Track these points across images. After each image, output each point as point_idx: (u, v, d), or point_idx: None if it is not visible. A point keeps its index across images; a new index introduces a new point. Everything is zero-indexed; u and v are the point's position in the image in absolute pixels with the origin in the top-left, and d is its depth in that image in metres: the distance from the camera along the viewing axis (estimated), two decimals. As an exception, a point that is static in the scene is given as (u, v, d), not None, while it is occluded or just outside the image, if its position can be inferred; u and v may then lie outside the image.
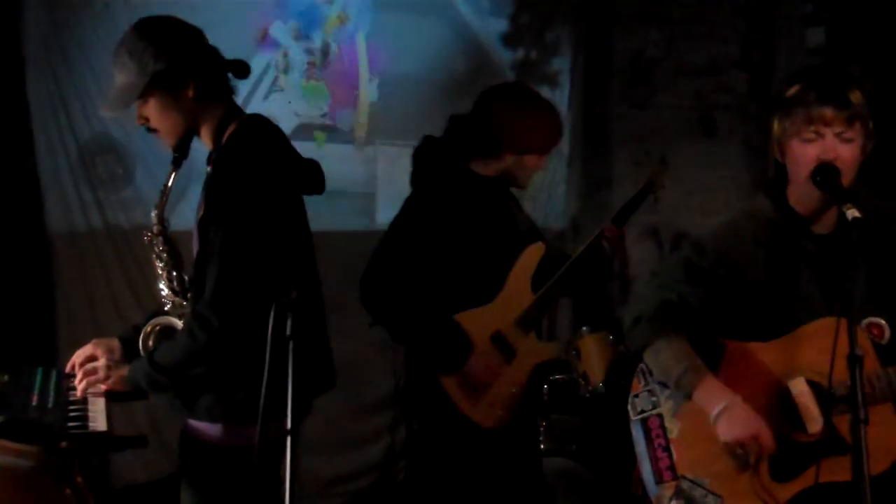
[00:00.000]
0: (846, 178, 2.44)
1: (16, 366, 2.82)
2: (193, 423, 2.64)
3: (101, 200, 4.81)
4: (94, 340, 2.83)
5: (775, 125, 2.53)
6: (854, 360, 2.14)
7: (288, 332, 2.20)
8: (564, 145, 5.43)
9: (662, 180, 3.57)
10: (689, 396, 2.58)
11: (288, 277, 2.30)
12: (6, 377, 2.74)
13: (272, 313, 2.21)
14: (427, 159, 3.37)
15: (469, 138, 3.30)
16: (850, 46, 4.66)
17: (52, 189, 4.75)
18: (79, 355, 2.81)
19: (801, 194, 2.54)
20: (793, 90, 2.50)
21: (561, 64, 5.46)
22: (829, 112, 2.42)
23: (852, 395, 2.13)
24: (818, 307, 2.52)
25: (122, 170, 4.85)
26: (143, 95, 2.62)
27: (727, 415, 2.50)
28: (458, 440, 3.28)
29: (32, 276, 4.68)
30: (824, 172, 2.42)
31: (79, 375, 2.70)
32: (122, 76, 2.64)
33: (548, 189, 5.41)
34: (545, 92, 5.30)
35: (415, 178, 3.39)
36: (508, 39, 5.35)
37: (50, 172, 4.69)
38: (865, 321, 2.48)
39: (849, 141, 2.45)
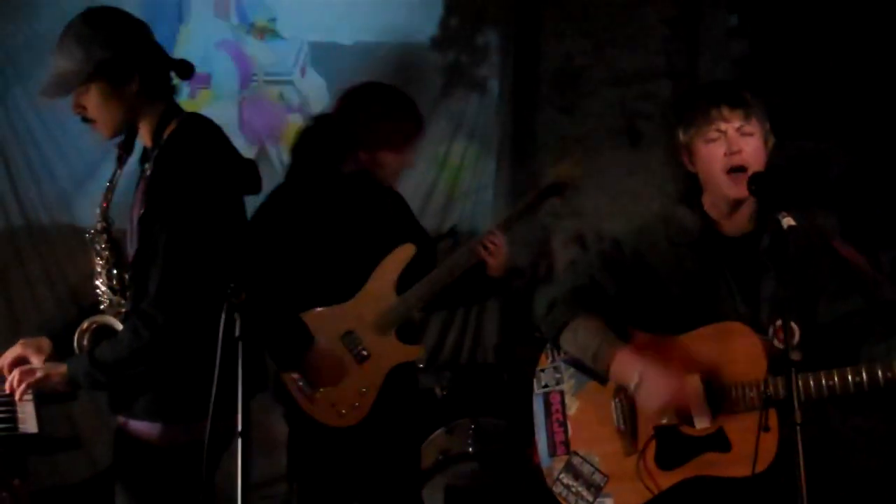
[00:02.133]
0: (754, 171, 2.58)
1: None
2: (130, 422, 2.61)
3: (20, 197, 4.70)
4: (21, 341, 2.76)
5: (680, 135, 2.70)
6: (788, 363, 2.23)
7: (237, 333, 2.19)
8: (492, 150, 5.45)
9: (570, 180, 3.51)
10: (606, 370, 2.65)
11: (237, 278, 2.28)
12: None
13: (223, 314, 2.20)
14: (300, 157, 3.39)
15: (328, 138, 3.32)
16: (773, 58, 4.78)
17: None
18: (6, 357, 2.73)
19: (716, 198, 2.68)
20: (688, 100, 2.73)
21: (489, 69, 5.48)
22: (725, 110, 2.60)
23: (788, 397, 2.21)
24: (728, 308, 2.63)
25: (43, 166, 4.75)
26: (86, 83, 2.59)
27: (643, 387, 2.58)
28: (325, 446, 3.27)
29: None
30: (758, 180, 2.54)
31: (14, 376, 2.62)
32: (65, 62, 2.60)
33: (475, 194, 5.42)
34: (474, 97, 5.40)
35: (289, 173, 3.41)
36: (438, 43, 5.36)
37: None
38: (777, 323, 2.59)
39: (749, 135, 2.61)
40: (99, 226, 2.70)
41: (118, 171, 2.70)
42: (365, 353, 3.26)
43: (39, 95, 2.70)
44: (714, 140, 2.61)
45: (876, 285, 2.60)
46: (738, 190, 2.58)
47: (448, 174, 5.33)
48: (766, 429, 2.36)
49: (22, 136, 4.70)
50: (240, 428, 2.21)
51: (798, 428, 2.15)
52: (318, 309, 3.24)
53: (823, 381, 2.45)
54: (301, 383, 3.21)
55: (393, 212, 3.44)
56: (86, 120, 2.69)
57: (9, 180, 4.68)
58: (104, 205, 2.70)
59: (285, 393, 3.25)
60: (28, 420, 2.56)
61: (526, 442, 3.88)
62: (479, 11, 5.43)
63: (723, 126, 2.60)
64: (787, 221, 2.40)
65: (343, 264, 3.27)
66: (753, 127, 2.62)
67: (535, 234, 5.43)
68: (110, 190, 2.70)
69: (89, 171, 4.70)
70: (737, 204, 2.64)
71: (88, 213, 3.92)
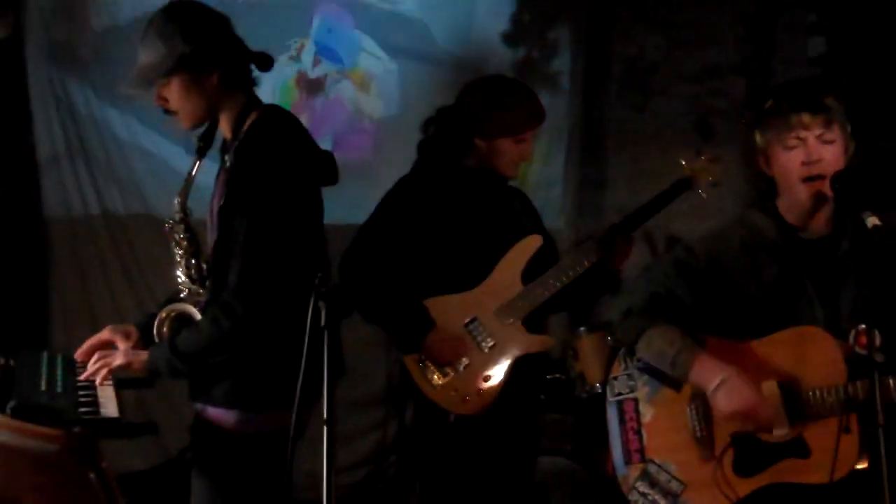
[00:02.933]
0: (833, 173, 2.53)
1: (14, 350, 2.79)
2: (208, 409, 2.64)
3: (99, 187, 4.79)
4: (109, 327, 2.81)
5: (758, 139, 2.63)
6: (872, 364, 2.19)
7: (323, 322, 2.21)
8: (562, 145, 5.44)
9: (704, 177, 3.44)
10: (685, 376, 2.61)
11: (323, 268, 2.31)
12: (11, 362, 2.72)
13: (311, 302, 2.22)
14: (425, 150, 3.40)
15: (446, 132, 3.33)
16: (851, 57, 4.70)
17: (49, 173, 4.73)
18: (93, 340, 2.79)
19: (792, 203, 2.62)
20: (769, 103, 2.62)
21: (561, 65, 5.47)
22: (806, 117, 2.53)
23: (870, 399, 2.17)
24: (807, 313, 2.59)
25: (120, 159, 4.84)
26: (167, 76, 2.64)
27: (725, 388, 2.54)
28: (447, 435, 3.26)
29: (27, 261, 4.65)
30: (841, 180, 2.49)
31: (96, 361, 2.68)
32: (148, 55, 2.66)
33: (545, 189, 5.41)
34: (545, 93, 5.37)
35: (414, 167, 3.42)
36: (510, 38, 5.36)
37: (48, 156, 4.67)
38: (860, 327, 2.53)
39: (830, 143, 2.55)
40: (177, 216, 2.73)
41: (197, 162, 2.73)
42: (490, 340, 3.26)
43: (124, 89, 2.75)
44: (793, 147, 2.55)
45: None
46: (815, 198, 2.54)
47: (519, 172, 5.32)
48: (847, 430, 2.32)
49: (100, 126, 4.79)
50: (325, 416, 2.22)
51: (880, 430, 2.10)
52: (444, 296, 3.25)
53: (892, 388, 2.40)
54: (422, 365, 3.22)
55: (518, 205, 3.44)
56: (167, 112, 2.73)
57: (87, 169, 4.78)
58: (183, 195, 2.73)
59: (409, 380, 3.26)
60: (108, 404, 2.59)
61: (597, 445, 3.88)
62: (551, 7, 5.43)
63: (803, 134, 2.54)
64: (872, 221, 2.35)
65: (468, 254, 3.28)
66: (834, 134, 2.56)
67: (601, 231, 5.39)
68: (189, 181, 2.73)
69: (163, 162, 4.79)
70: (815, 209, 2.59)
71: (163, 203, 4.05)
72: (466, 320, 3.26)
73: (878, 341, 2.46)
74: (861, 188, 2.48)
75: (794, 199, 2.60)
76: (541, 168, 5.39)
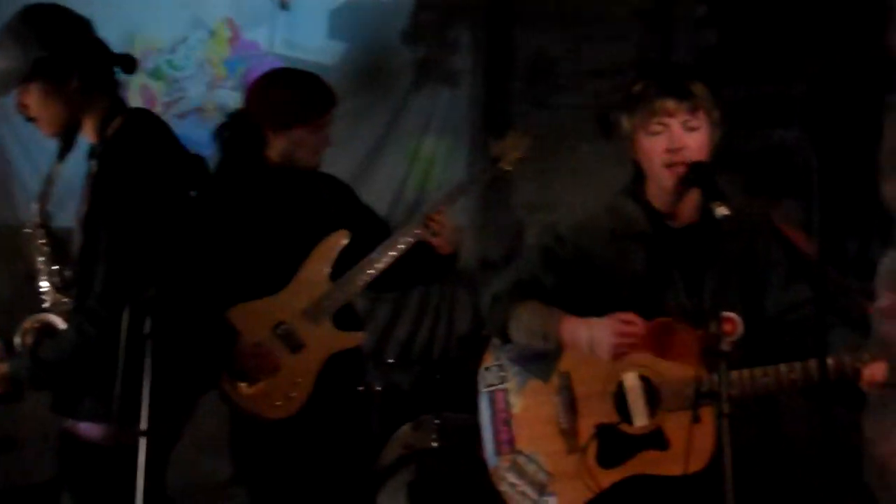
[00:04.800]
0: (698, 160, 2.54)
1: None
2: (74, 423, 2.59)
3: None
4: None
5: (624, 123, 2.62)
6: (719, 355, 2.20)
7: (147, 330, 2.18)
8: (465, 144, 5.44)
9: (511, 155, 3.46)
10: (559, 343, 2.62)
11: (148, 274, 2.27)
12: None
13: (127, 312, 2.19)
14: (222, 154, 3.36)
15: (240, 132, 3.30)
16: (742, 48, 4.75)
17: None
18: None
19: (658, 189, 2.62)
20: (636, 88, 2.61)
21: (462, 63, 5.46)
22: (670, 103, 2.53)
23: (718, 390, 2.17)
24: (673, 302, 2.61)
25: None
26: (25, 82, 2.58)
27: (594, 341, 2.54)
28: (264, 440, 3.25)
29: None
30: (696, 170, 2.51)
31: None
32: (4, 61, 2.59)
33: (447, 188, 5.39)
34: (447, 91, 5.38)
35: (215, 171, 3.36)
36: (409, 37, 5.34)
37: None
38: (714, 321, 2.53)
39: (695, 129, 2.55)
40: (37, 221, 2.68)
41: (56, 167, 2.68)
42: (299, 342, 3.24)
43: None
44: (657, 133, 2.55)
45: (822, 271, 2.56)
46: (678, 185, 2.55)
47: (419, 169, 5.32)
48: (697, 419, 2.33)
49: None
50: (143, 427, 2.19)
51: (725, 419, 2.11)
52: (248, 303, 3.22)
53: (759, 378, 2.43)
54: (231, 378, 3.18)
55: (327, 198, 3.41)
56: (29, 119, 2.68)
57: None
58: (41, 200, 2.68)
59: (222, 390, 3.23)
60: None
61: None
62: (450, 5, 5.41)
63: (667, 120, 2.53)
64: (721, 211, 2.34)
65: (273, 256, 3.25)
66: (700, 121, 2.56)
67: (508, 227, 5.41)
68: (48, 185, 2.68)
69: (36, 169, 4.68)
70: (680, 195, 2.59)
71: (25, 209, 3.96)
72: (274, 325, 3.23)
73: (739, 330, 2.48)
74: (712, 178, 2.49)
75: (659, 185, 2.60)
76: (443, 167, 5.38)
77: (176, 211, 2.66)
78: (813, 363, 2.41)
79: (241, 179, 3.30)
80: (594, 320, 2.56)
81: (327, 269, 3.28)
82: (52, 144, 4.38)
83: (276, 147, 3.29)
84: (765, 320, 2.61)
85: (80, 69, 2.61)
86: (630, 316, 2.53)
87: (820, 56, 4.46)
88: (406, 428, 4.04)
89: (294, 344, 3.23)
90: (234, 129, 3.32)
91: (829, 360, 2.38)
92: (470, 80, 5.44)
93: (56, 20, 2.63)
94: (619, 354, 2.55)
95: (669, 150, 2.54)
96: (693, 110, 2.55)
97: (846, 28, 4.26)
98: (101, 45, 2.69)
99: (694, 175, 2.50)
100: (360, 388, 3.87)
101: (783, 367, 2.44)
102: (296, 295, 3.25)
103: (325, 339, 3.26)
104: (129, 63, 2.72)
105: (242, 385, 3.18)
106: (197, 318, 2.96)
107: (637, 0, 5.42)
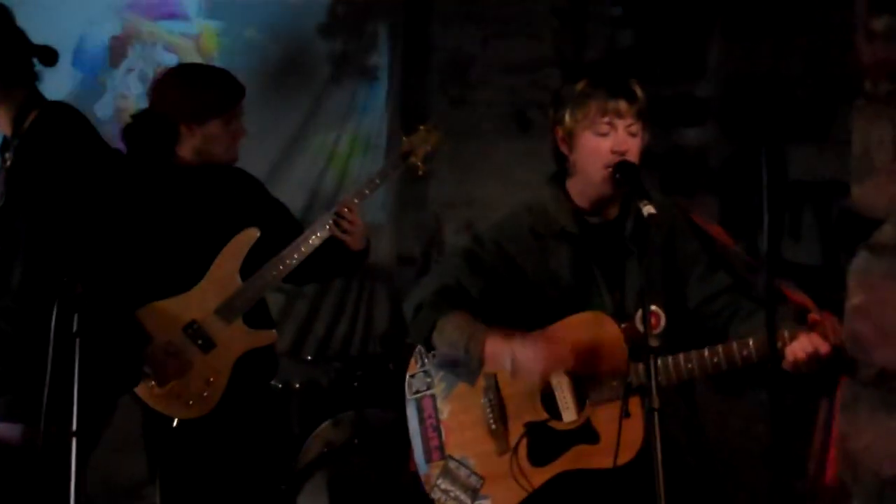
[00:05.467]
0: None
1: None
2: None
3: None
4: None
5: (566, 118, 2.59)
6: (646, 349, 2.23)
7: (74, 328, 2.13)
8: (382, 139, 5.42)
9: (421, 150, 3.42)
10: (479, 362, 2.60)
11: (71, 270, 2.22)
12: None
13: (55, 309, 2.14)
14: (130, 151, 3.27)
15: (152, 129, 3.24)
16: (657, 49, 4.83)
17: None
18: None
19: (587, 186, 2.63)
20: (581, 85, 2.60)
21: (379, 58, 5.44)
22: (622, 105, 2.55)
23: (647, 385, 2.21)
24: (595, 297, 2.63)
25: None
26: None
27: (517, 363, 2.53)
28: (174, 440, 3.21)
29: None
30: (623, 169, 2.53)
31: None
32: None
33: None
34: (364, 86, 5.36)
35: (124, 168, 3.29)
36: (326, 31, 5.30)
37: None
38: (637, 314, 2.58)
39: (635, 135, 2.58)
40: None
41: None
42: (211, 342, 3.20)
43: None
44: (604, 134, 2.55)
45: (738, 259, 2.62)
46: (611, 186, 2.57)
47: (337, 165, 5.29)
48: (627, 415, 2.36)
49: None
50: (74, 427, 2.14)
51: (655, 413, 2.14)
52: (158, 302, 3.17)
53: (682, 364, 2.47)
54: (143, 378, 3.14)
55: (237, 194, 3.36)
56: None
57: None
58: None
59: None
60: None
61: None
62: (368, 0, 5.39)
63: (616, 121, 2.54)
64: (648, 209, 2.37)
65: (183, 255, 3.22)
66: (639, 127, 2.58)
67: (425, 224, 5.42)
68: None
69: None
70: (613, 198, 2.63)
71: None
72: (184, 324, 3.19)
73: (662, 323, 2.53)
74: (638, 177, 2.53)
75: (589, 183, 2.61)
76: (361, 162, 5.36)
77: (94, 205, 2.60)
78: (735, 345, 2.43)
79: (150, 177, 3.23)
80: (517, 342, 2.55)
81: (237, 267, 3.25)
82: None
83: (191, 143, 3.24)
84: (686, 312, 2.65)
85: None
86: (556, 335, 2.54)
87: (735, 53, 4.56)
88: (326, 425, 4.01)
89: (205, 343, 3.19)
90: (143, 129, 3.24)
91: (751, 341, 2.41)
92: (387, 74, 5.43)
93: None
94: (544, 377, 2.56)
95: (615, 152, 2.56)
96: (637, 115, 2.57)
97: (761, 21, 4.35)
98: (19, 35, 2.62)
99: (621, 175, 2.52)
100: (279, 386, 3.85)
101: (706, 352, 2.47)
102: (206, 293, 3.22)
103: (236, 338, 3.23)
104: (48, 55, 2.65)
105: (154, 385, 3.14)
106: (113, 316, 2.92)
107: (553, -3, 5.48)
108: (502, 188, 5.51)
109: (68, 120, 2.65)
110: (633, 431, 2.45)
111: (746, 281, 2.61)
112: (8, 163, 2.60)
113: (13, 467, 2.53)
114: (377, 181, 3.37)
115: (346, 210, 3.26)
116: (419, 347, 2.79)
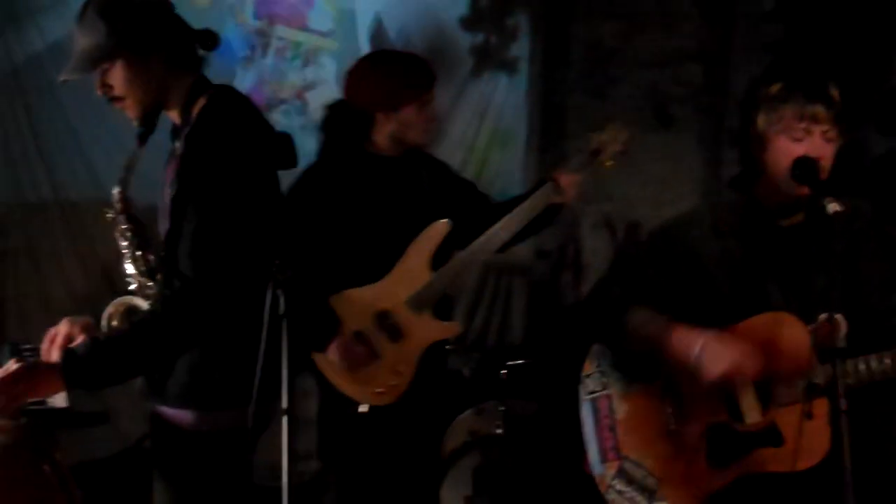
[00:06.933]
0: (824, 177, 2.45)
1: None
2: (163, 408, 2.54)
3: (51, 170, 4.71)
4: (66, 319, 2.64)
5: (760, 120, 2.51)
6: (834, 354, 2.16)
7: (282, 310, 2.16)
8: (521, 132, 5.43)
9: (611, 148, 3.39)
10: (666, 350, 2.53)
11: (281, 255, 2.25)
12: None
13: (269, 291, 2.17)
14: (326, 139, 3.36)
15: (346, 118, 3.30)
16: (808, 45, 4.71)
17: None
18: (54, 333, 2.62)
19: (775, 189, 2.54)
20: (777, 87, 2.51)
21: (519, 50, 5.45)
22: (820, 110, 2.44)
23: (832, 386, 2.14)
24: (776, 300, 2.53)
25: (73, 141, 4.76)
26: (110, 58, 2.50)
27: (706, 354, 2.45)
28: (355, 426, 3.25)
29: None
30: (803, 166, 2.44)
31: (56, 354, 2.54)
32: (87, 38, 2.50)
33: (504, 176, 5.40)
34: (504, 78, 5.38)
35: (318, 159, 3.38)
36: (468, 23, 5.33)
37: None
38: (822, 316, 2.50)
39: (831, 141, 2.47)
40: (118, 206, 2.62)
41: (138, 149, 2.59)
42: (399, 332, 3.24)
43: (64, 75, 2.56)
44: (799, 140, 2.45)
45: None
46: (797, 188, 2.46)
47: (476, 156, 5.32)
48: (809, 416, 2.28)
49: (51, 111, 4.71)
50: (285, 406, 2.19)
51: (842, 416, 2.08)
52: (351, 290, 3.22)
53: (873, 365, 2.37)
54: (335, 364, 3.20)
55: (427, 181, 3.39)
56: (113, 99, 2.57)
57: (38, 154, 4.69)
58: (122, 185, 2.61)
59: (317, 371, 3.24)
60: (57, 395, 2.53)
61: (556, 427, 3.87)
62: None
63: (812, 127, 2.44)
64: (833, 207, 2.28)
65: (376, 244, 3.25)
66: (836, 132, 2.47)
67: (563, 218, 5.39)
68: (129, 169, 2.61)
69: (119, 145, 4.71)
70: (794, 199, 2.51)
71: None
72: (376, 313, 3.23)
73: (843, 330, 2.43)
74: (817, 172, 2.44)
75: (779, 186, 2.52)
76: (500, 155, 5.38)
77: (266, 189, 2.61)
78: None
79: (343, 168, 3.29)
80: (712, 335, 2.48)
81: (428, 259, 3.27)
82: (119, 123, 4.51)
83: (386, 130, 3.28)
84: (869, 320, 2.55)
85: (165, 45, 2.53)
86: (751, 348, 2.45)
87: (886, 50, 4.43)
88: (469, 414, 4.03)
89: (395, 333, 3.24)
90: (339, 119, 3.31)
91: None
92: (528, 67, 5.43)
93: None
94: (730, 374, 2.47)
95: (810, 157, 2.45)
96: (836, 120, 2.45)
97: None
98: (182, 22, 2.61)
99: (800, 171, 2.44)
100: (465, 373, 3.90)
101: None
102: (398, 283, 3.25)
103: (425, 329, 3.26)
104: (209, 39, 2.62)
105: (345, 371, 3.19)
106: (306, 302, 2.97)
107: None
108: (640, 184, 5.47)
109: (235, 106, 2.60)
110: (818, 435, 2.36)
111: None
112: (178, 151, 2.61)
113: (187, 452, 2.54)
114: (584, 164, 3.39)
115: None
116: (595, 347, 2.75)
